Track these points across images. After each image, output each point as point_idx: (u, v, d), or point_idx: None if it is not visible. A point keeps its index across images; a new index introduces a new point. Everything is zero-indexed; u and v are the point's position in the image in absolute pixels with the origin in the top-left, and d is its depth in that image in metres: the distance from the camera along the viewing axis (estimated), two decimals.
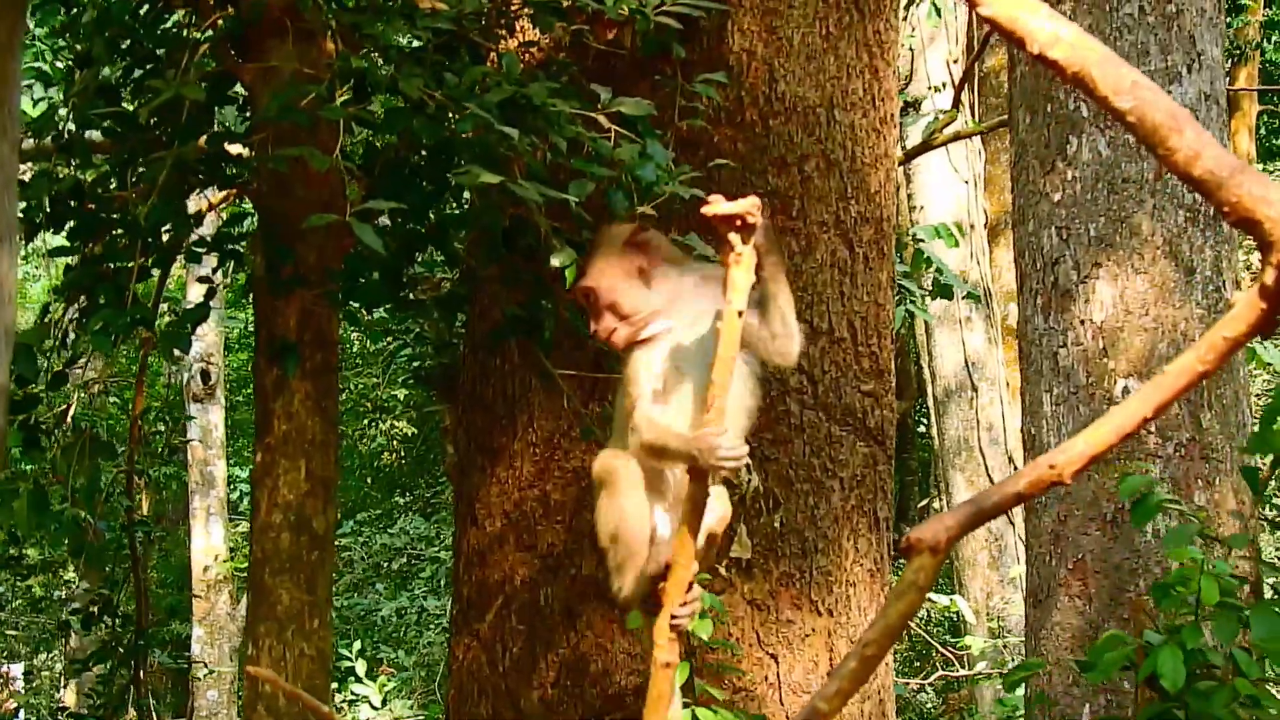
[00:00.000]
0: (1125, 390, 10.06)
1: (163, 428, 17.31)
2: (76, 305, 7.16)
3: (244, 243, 7.58)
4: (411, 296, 7.67)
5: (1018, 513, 19.29)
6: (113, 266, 7.07)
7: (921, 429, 24.33)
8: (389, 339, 18.21)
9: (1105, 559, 9.99)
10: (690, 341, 4.75)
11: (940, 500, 23.19)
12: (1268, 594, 8.52)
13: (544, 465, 7.91)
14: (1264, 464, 8.00)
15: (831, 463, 7.94)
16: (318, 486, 7.25)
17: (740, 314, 4.37)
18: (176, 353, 7.33)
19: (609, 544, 4.62)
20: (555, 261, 6.74)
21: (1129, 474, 6.05)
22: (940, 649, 20.09)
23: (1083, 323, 10.35)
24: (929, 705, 23.19)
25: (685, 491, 4.52)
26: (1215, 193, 2.96)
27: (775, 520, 7.72)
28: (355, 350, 25.02)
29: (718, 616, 6.19)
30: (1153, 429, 9.88)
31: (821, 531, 7.86)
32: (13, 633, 21.60)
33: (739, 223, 4.28)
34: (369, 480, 28.61)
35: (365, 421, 26.79)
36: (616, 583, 4.65)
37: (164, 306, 7.83)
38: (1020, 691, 6.69)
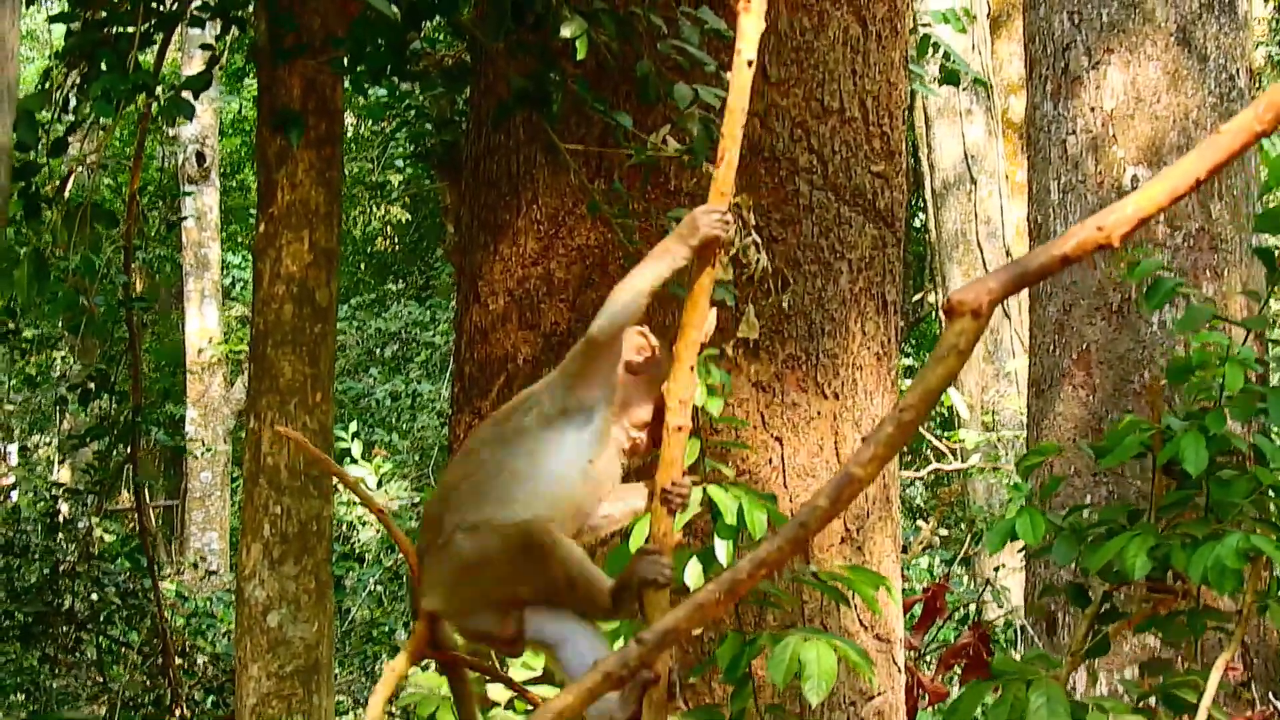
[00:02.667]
0: (1134, 179, 9.97)
1: (158, 208, 17.20)
2: (78, 70, 7.04)
3: (248, 8, 7.42)
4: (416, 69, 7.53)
5: (1014, 305, 19.26)
6: (115, 31, 6.94)
7: (918, 222, 24.19)
8: (386, 121, 18.06)
9: (1110, 349, 9.95)
10: None
11: (936, 294, 23.12)
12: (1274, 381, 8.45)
13: (548, 242, 7.81)
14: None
15: (840, 244, 7.85)
16: (320, 258, 7.17)
17: (750, 64, 4.23)
18: (171, 132, 7.22)
19: (569, 589, 4.36)
20: (565, 32, 6.61)
21: (1138, 261, 5.93)
22: (933, 442, 20.11)
23: (1092, 109, 10.23)
24: (918, 500, 23.27)
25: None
26: None
27: (782, 301, 7.64)
28: (351, 135, 24.80)
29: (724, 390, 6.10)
30: (1160, 219, 9.81)
31: (829, 313, 7.79)
32: (10, 407, 21.61)
33: None
34: (363, 266, 28.52)
35: (360, 207, 26.64)
36: (590, 599, 4.41)
37: (160, 88, 7.68)
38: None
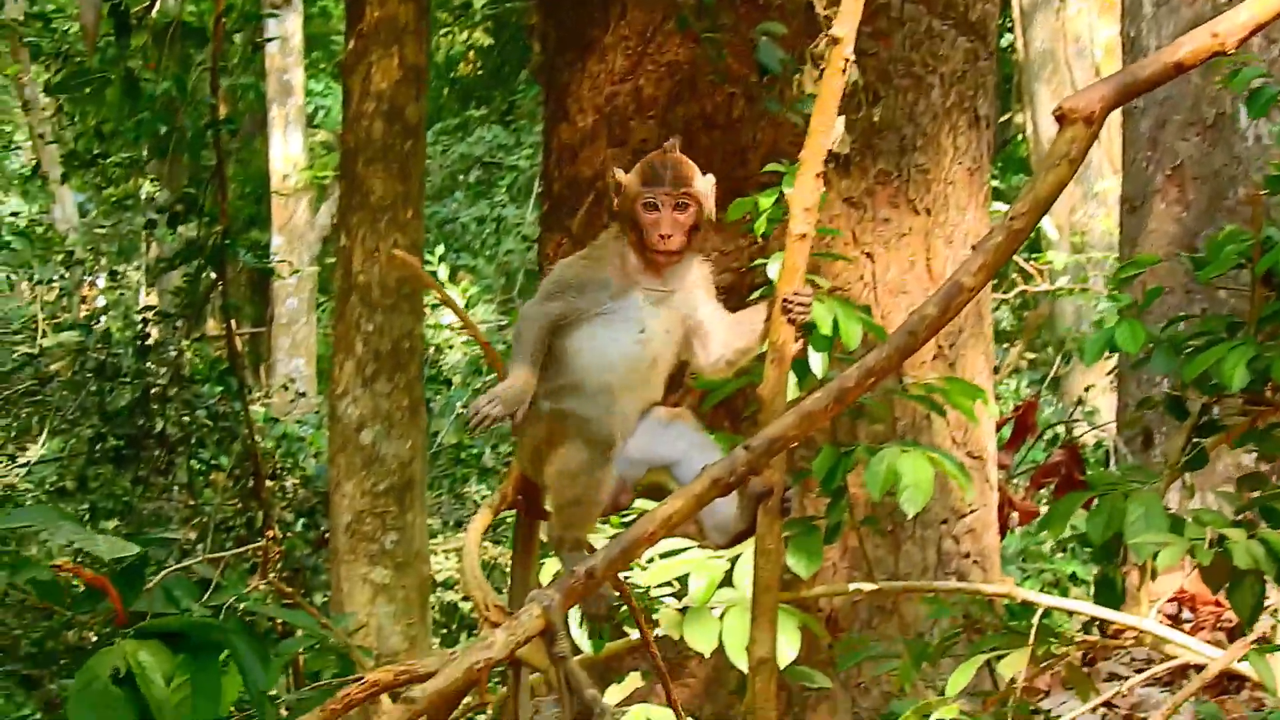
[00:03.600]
0: None
1: (242, 32, 17.10)
2: None
3: None
4: None
5: (1105, 122, 19.03)
6: None
7: (1005, 41, 23.89)
8: None
9: (1204, 164, 9.82)
10: None
11: (1024, 114, 22.89)
12: None
13: (637, 59, 7.75)
14: None
15: (932, 58, 7.76)
16: (410, 75, 7.15)
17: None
18: None
19: (565, 503, 4.20)
20: None
21: (1238, 69, 5.83)
22: (1020, 264, 19.97)
23: None
24: (1005, 324, 23.16)
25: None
26: None
27: (873, 115, 7.57)
28: None
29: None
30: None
31: (920, 128, 7.71)
32: (99, 232, 21.68)
33: None
34: (446, 91, 28.36)
35: (442, 31, 26.48)
36: (564, 530, 4.23)
37: None
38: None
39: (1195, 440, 5.93)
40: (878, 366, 3.70)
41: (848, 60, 4.23)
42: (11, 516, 4.80)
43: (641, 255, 4.19)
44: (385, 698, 4.06)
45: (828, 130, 4.21)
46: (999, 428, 9.88)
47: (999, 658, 5.94)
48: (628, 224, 4.23)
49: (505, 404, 3.96)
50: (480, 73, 28.10)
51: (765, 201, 5.57)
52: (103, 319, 16.23)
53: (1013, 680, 5.93)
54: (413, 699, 3.46)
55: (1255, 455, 7.92)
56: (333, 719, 3.50)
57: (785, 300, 4.14)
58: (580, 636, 5.29)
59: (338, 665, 5.96)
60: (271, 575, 5.93)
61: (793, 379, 5.59)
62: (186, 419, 13.94)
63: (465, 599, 15.72)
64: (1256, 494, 5.80)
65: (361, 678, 3.66)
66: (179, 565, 5.54)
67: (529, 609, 3.64)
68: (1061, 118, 3.46)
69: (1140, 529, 5.34)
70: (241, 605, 4.92)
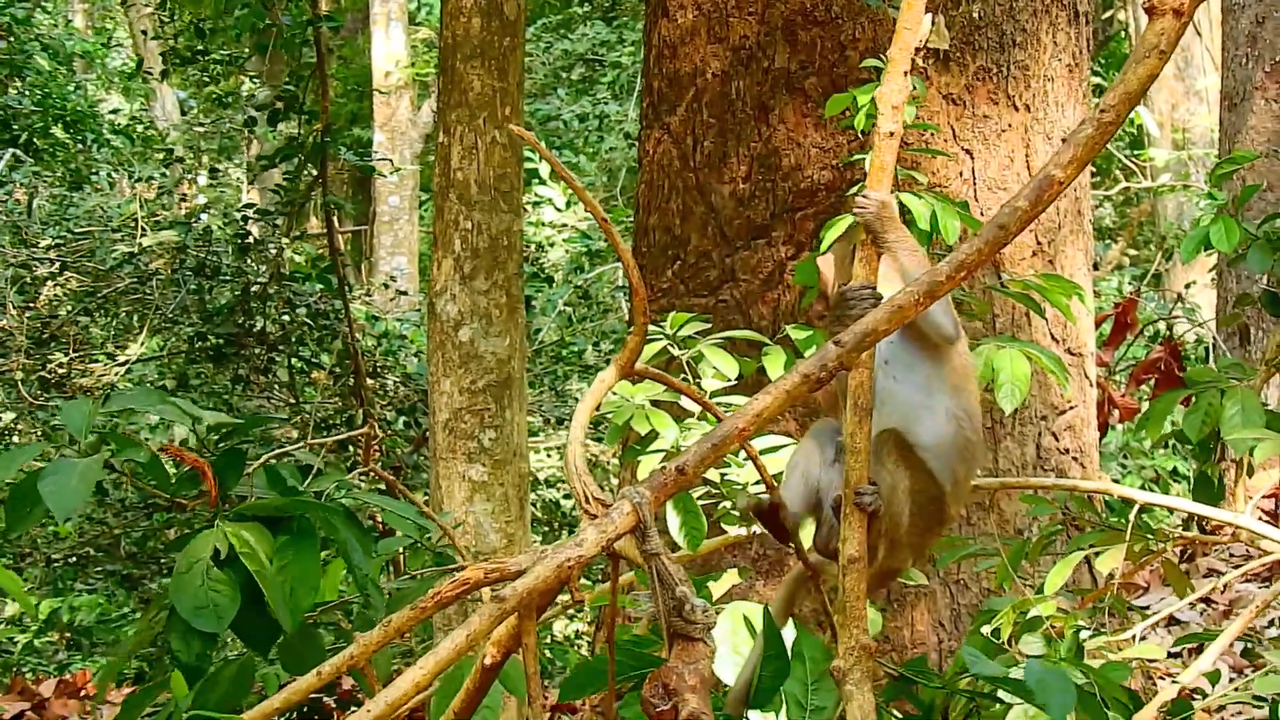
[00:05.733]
0: None
1: None
2: None
3: None
4: None
5: (1205, 21, 18.81)
6: None
7: None
8: None
9: None
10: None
11: (1125, 10, 22.65)
12: None
13: None
14: None
15: None
16: None
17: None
18: None
19: None
20: None
21: None
22: (1123, 161, 19.81)
23: None
24: (1107, 220, 22.99)
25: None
26: None
27: (973, 11, 7.52)
28: None
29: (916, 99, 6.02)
30: None
31: (1020, 24, 7.65)
32: (199, 129, 21.81)
33: None
34: None
35: None
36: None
37: None
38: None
39: None
40: (969, 260, 3.70)
41: None
42: (112, 400, 4.83)
43: None
44: (486, 591, 4.09)
45: (915, 27, 4.19)
46: (1099, 324, 9.84)
47: (1097, 554, 5.95)
48: None
49: None
50: None
51: (863, 98, 5.55)
52: (203, 217, 16.34)
53: (1111, 576, 5.94)
54: (502, 598, 3.48)
55: None
56: (424, 616, 3.53)
57: (858, 201, 4.16)
58: (677, 533, 5.32)
59: (435, 563, 6.01)
60: (371, 465, 5.98)
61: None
62: (287, 317, 14.04)
63: (567, 496, 15.82)
64: None
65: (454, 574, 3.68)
66: (279, 451, 5.59)
67: (619, 505, 3.66)
68: (1151, 10, 3.44)
69: (1236, 425, 5.33)
70: (342, 496, 4.95)
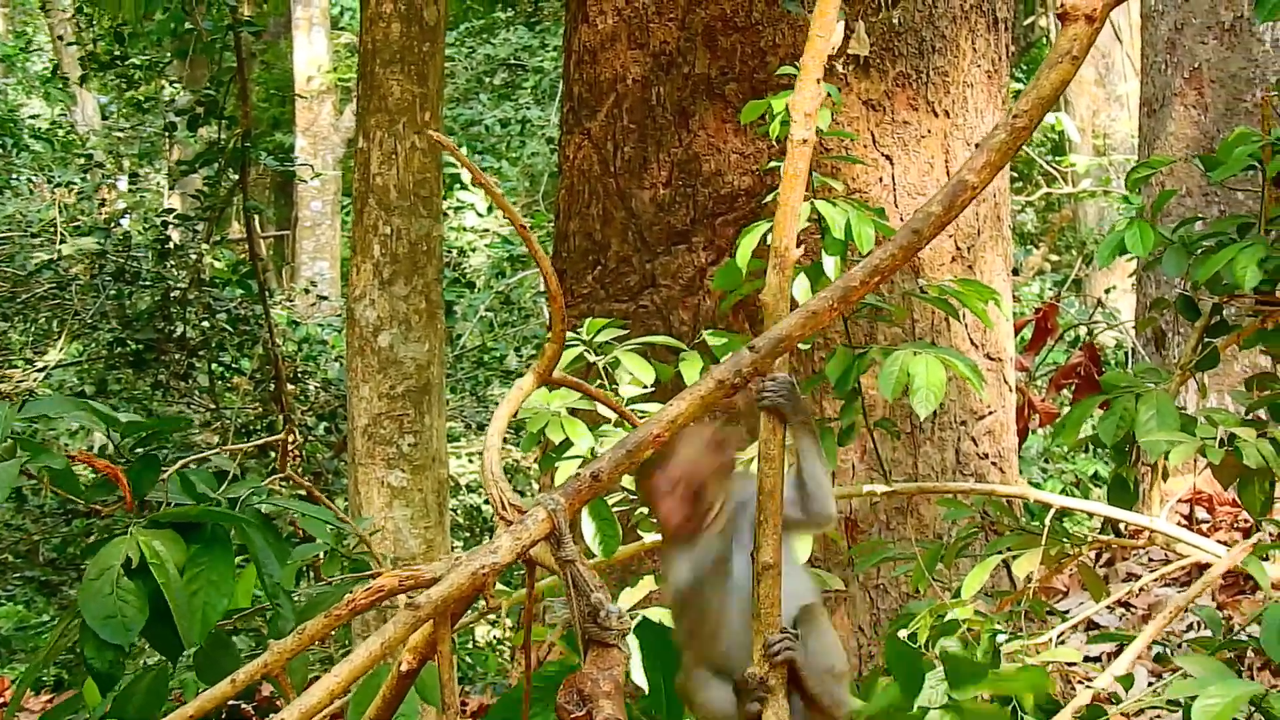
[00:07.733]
0: None
1: None
2: None
3: None
4: None
5: (1126, 26, 18.96)
6: None
7: None
8: None
9: (1222, 68, 9.83)
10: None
11: (1045, 17, 22.76)
12: None
13: None
14: None
15: None
16: None
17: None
18: None
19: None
20: None
21: None
22: (1044, 166, 19.93)
23: None
24: (1028, 226, 23.11)
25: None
26: None
27: (892, 17, 7.55)
28: None
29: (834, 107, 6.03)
30: None
31: (939, 30, 7.68)
32: (119, 134, 21.67)
33: None
34: None
35: None
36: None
37: None
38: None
39: (1207, 340, 5.95)
40: (882, 264, 3.70)
41: None
42: (30, 406, 4.79)
43: None
44: (402, 597, 4.08)
45: (829, 34, 4.18)
46: (1019, 330, 9.89)
47: (1015, 558, 5.98)
48: None
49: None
50: None
51: (779, 104, 5.56)
52: (123, 222, 16.26)
53: (1028, 579, 5.97)
54: (417, 605, 3.48)
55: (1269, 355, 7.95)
56: (338, 623, 3.52)
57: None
58: (593, 540, 5.30)
59: (353, 569, 6.00)
60: (289, 471, 5.95)
61: (807, 284, 5.63)
62: (207, 323, 13.99)
63: (488, 502, 15.78)
64: (1266, 393, 5.83)
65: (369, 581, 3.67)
66: (195, 456, 5.56)
67: (534, 512, 3.65)
68: (1064, 15, 3.47)
69: (1151, 429, 5.37)
70: (259, 503, 4.92)
